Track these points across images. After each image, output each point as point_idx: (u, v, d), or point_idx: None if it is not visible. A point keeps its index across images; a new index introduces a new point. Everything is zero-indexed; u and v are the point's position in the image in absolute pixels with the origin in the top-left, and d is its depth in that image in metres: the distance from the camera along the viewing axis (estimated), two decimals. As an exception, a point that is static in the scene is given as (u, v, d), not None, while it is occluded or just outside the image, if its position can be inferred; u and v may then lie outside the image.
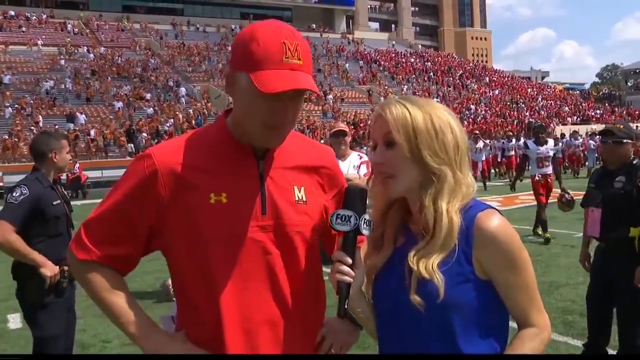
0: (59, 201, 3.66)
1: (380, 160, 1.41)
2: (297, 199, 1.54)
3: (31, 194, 3.52)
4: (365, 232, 1.44)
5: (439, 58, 65.32)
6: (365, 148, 13.05)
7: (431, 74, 57.05)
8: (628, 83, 75.84)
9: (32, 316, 3.63)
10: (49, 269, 3.46)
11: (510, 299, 1.36)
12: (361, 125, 36.38)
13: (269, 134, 1.46)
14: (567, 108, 56.11)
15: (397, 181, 1.40)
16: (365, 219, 1.43)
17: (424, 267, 1.31)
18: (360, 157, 5.95)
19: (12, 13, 50.33)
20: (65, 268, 3.48)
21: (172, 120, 34.11)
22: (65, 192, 3.90)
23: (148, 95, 38.28)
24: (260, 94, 1.38)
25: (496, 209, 1.38)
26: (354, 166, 5.77)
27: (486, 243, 1.33)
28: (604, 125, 5.50)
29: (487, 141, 22.36)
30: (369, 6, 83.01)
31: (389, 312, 1.41)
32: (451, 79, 56.80)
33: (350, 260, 1.41)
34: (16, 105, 32.96)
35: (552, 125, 42.97)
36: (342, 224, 1.43)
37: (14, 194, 3.51)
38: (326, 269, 1.67)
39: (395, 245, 1.47)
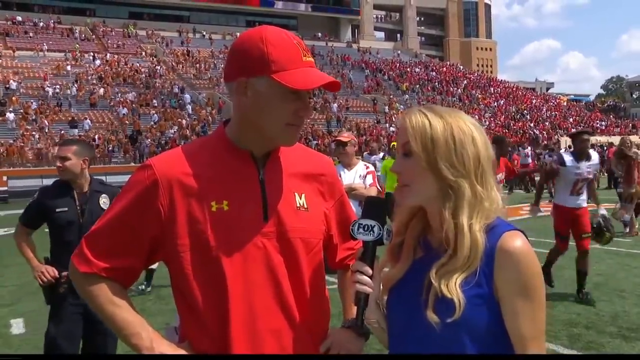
0: (64, 209, 3.63)
1: (398, 169, 1.39)
2: (298, 205, 1.54)
3: (37, 199, 3.73)
4: (387, 242, 1.41)
5: (444, 68, 65.44)
6: (373, 157, 12.93)
7: (436, 83, 57.12)
8: (633, 95, 75.74)
9: None
10: (33, 269, 3.63)
11: (514, 325, 1.28)
12: (366, 134, 36.40)
13: (291, 132, 1.50)
14: (571, 119, 56.09)
15: (411, 191, 1.37)
16: (387, 229, 1.41)
17: (446, 286, 1.27)
18: (367, 167, 5.94)
19: (20, 19, 50.70)
20: (64, 274, 3.48)
21: (176, 127, 34.20)
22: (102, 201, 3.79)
23: (153, 102, 38.40)
24: (285, 94, 1.42)
25: (521, 231, 1.32)
26: (360, 176, 5.76)
27: (506, 264, 1.28)
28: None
29: None
30: (374, 15, 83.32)
31: (402, 325, 1.38)
32: (456, 89, 56.84)
33: (370, 271, 1.39)
34: (21, 110, 33.09)
35: (555, 136, 42.98)
36: (364, 234, 1.40)
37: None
38: (329, 278, 1.66)
39: (414, 257, 1.43)
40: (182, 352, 1.44)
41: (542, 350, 1.30)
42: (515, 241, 1.29)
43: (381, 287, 1.45)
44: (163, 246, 1.48)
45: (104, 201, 3.74)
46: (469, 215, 1.31)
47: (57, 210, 3.62)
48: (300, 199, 1.55)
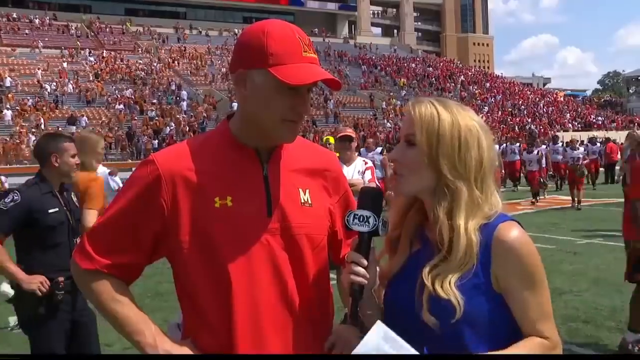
0: (56, 209, 3.40)
1: (397, 157, 1.37)
2: (302, 201, 1.52)
3: (22, 200, 3.31)
4: (382, 233, 1.40)
5: (441, 64, 65.39)
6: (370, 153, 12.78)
7: (433, 79, 57.10)
8: (630, 90, 75.84)
9: (28, 329, 3.45)
10: (26, 282, 3.25)
11: (522, 314, 1.30)
12: (363, 129, 36.40)
13: (288, 128, 1.47)
14: (568, 115, 56.16)
15: (406, 182, 1.36)
16: (383, 220, 1.39)
17: (441, 286, 1.26)
18: (366, 163, 5.93)
19: (15, 15, 50.49)
20: (60, 279, 3.30)
21: (173, 123, 34.15)
22: (75, 199, 3.66)
23: (150, 99, 38.31)
24: (281, 88, 1.40)
25: (518, 221, 1.32)
26: (358, 171, 5.75)
27: (504, 255, 1.28)
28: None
29: None
30: (371, 11, 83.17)
31: (400, 320, 1.37)
32: (453, 84, 56.82)
33: (365, 262, 1.37)
34: (17, 108, 32.98)
35: (551, 131, 43.04)
36: (360, 224, 1.38)
37: (5, 199, 3.29)
38: (331, 274, 1.66)
39: (411, 250, 1.42)
40: (186, 349, 1.43)
41: (553, 327, 1.33)
42: (512, 231, 1.30)
43: (377, 280, 1.43)
44: (166, 242, 1.47)
45: (75, 199, 3.65)
46: (465, 218, 1.30)
47: (50, 211, 3.36)
48: (305, 194, 1.53)
